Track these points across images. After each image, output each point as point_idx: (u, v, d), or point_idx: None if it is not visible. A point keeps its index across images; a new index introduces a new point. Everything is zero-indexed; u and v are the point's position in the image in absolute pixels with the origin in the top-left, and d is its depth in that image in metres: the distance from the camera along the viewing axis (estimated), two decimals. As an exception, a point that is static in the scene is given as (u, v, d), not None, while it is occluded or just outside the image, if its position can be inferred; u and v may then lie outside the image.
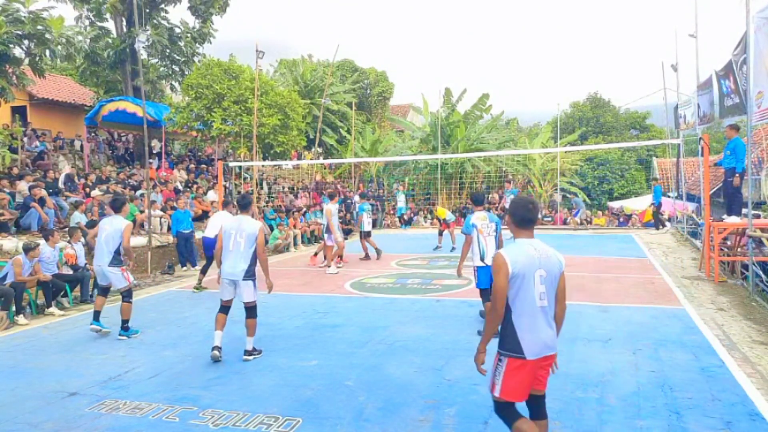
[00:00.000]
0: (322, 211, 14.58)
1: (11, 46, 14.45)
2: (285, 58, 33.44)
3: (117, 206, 7.46)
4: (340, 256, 13.06)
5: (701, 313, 7.56)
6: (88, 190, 14.95)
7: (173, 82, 22.59)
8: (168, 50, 21.26)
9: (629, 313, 7.71)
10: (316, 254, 13.47)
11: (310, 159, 27.54)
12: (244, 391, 5.14)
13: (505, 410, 3.33)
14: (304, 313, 8.26)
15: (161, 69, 22.22)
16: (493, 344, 3.44)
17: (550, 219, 24.73)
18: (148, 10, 20.34)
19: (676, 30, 57.72)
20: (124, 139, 23.20)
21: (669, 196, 24.26)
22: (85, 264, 10.27)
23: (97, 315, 7.44)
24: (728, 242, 11.44)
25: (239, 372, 5.69)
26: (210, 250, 10.36)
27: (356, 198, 21.86)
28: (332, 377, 5.45)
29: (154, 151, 21.63)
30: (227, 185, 18.88)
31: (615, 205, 30.55)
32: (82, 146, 19.78)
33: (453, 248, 14.61)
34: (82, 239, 10.87)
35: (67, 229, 11.43)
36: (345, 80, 32.33)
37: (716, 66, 12.70)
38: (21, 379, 5.64)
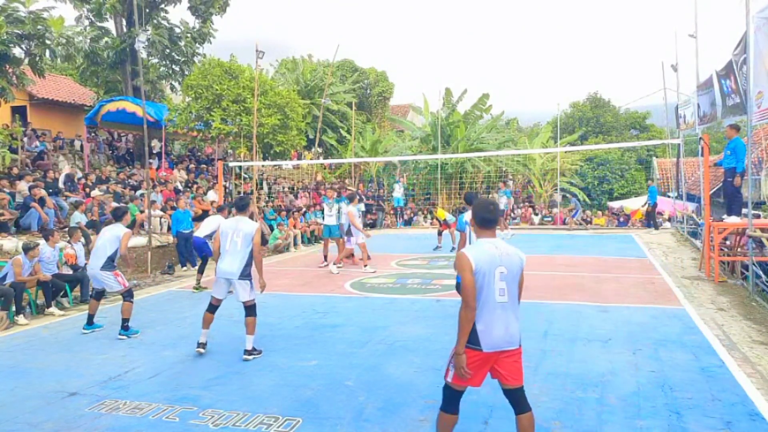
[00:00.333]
0: (322, 211, 14.57)
1: (11, 46, 14.45)
2: (285, 58, 33.46)
3: (118, 215, 7.64)
4: (351, 255, 13.02)
5: (701, 313, 7.56)
6: (88, 190, 14.95)
7: (173, 82, 22.59)
8: (168, 50, 21.25)
9: (629, 313, 7.71)
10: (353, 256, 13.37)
11: (310, 159, 27.55)
12: (244, 391, 5.14)
13: (449, 394, 3.56)
14: (304, 313, 8.26)
15: (161, 69, 22.22)
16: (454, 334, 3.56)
17: (550, 219, 24.73)
18: (148, 10, 20.33)
19: (676, 30, 57.80)
20: (124, 139, 23.20)
21: (669, 196, 24.28)
22: (85, 264, 10.26)
23: (90, 319, 7.47)
24: (728, 242, 11.44)
25: (239, 372, 5.69)
26: (200, 251, 10.47)
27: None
28: (332, 377, 5.45)
29: (154, 151, 21.64)
30: (227, 185, 18.89)
31: (615, 205, 30.56)
32: (82, 146, 19.79)
33: (453, 248, 14.60)
34: (82, 239, 10.88)
35: (66, 229, 11.43)
36: (345, 80, 32.33)
37: (716, 66, 12.71)
38: (21, 379, 5.64)
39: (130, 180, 17.33)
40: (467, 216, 7.21)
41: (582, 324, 7.16)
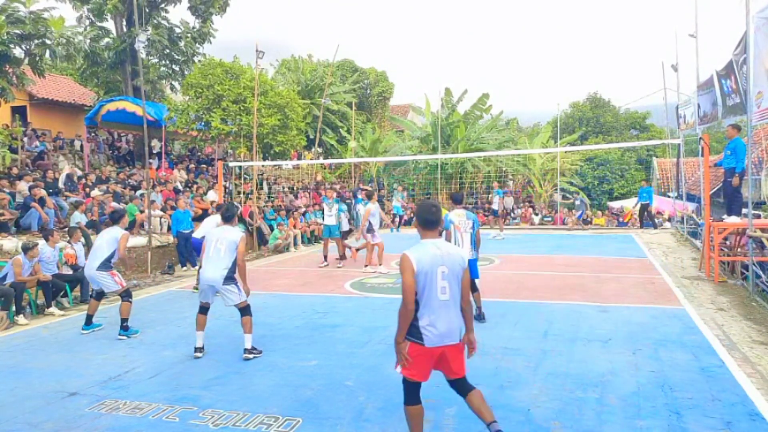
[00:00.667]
0: (322, 211, 14.55)
1: (11, 46, 14.45)
2: (285, 58, 33.45)
3: (116, 218, 7.75)
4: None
5: (701, 313, 7.56)
6: (88, 190, 14.95)
7: (173, 82, 22.60)
8: (168, 50, 21.26)
9: (629, 313, 7.71)
10: (358, 249, 13.34)
11: (310, 159, 27.55)
12: (244, 391, 5.14)
13: (406, 387, 3.74)
14: (304, 313, 8.26)
15: (161, 69, 22.22)
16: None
17: (549, 219, 24.73)
18: (148, 10, 20.34)
19: (676, 30, 57.77)
20: (124, 139, 23.20)
21: (669, 196, 24.28)
22: (85, 264, 10.27)
23: (89, 319, 7.48)
24: (728, 242, 11.43)
25: (239, 372, 5.69)
26: (199, 251, 10.45)
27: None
28: (332, 377, 5.45)
29: (154, 151, 21.64)
30: (227, 185, 18.89)
31: (615, 205, 30.57)
32: (82, 146, 19.78)
33: None
34: (82, 239, 10.88)
35: (66, 229, 11.43)
36: (345, 80, 32.32)
37: (716, 66, 12.70)
38: (21, 379, 5.64)
39: (129, 180, 17.33)
40: (452, 215, 7.41)
41: (582, 324, 7.16)
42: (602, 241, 16.67)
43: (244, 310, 6.20)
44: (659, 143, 27.67)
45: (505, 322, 7.40)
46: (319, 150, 28.12)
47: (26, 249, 8.51)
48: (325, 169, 28.17)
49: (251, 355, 6.08)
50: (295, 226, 17.06)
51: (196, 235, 10.46)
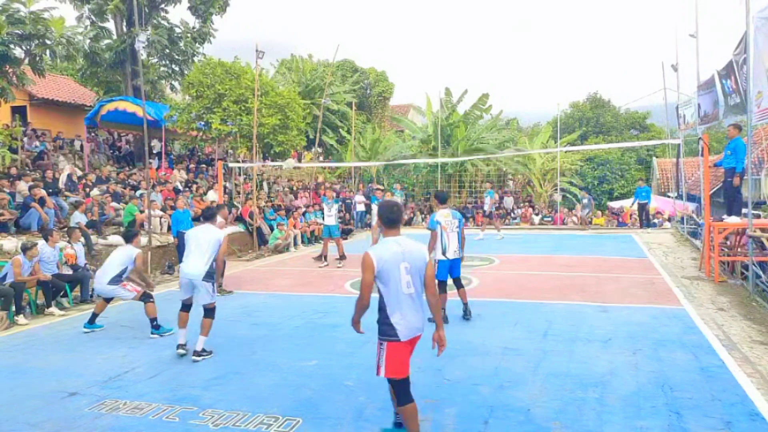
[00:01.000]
0: (322, 211, 14.55)
1: (11, 46, 14.44)
2: (286, 59, 33.45)
3: (129, 237, 7.86)
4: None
5: (701, 313, 7.56)
6: (88, 190, 14.95)
7: (173, 82, 22.59)
8: (168, 50, 21.25)
9: (629, 313, 7.71)
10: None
11: (310, 159, 27.55)
12: (244, 391, 5.14)
13: (398, 387, 3.81)
14: (304, 313, 8.26)
15: (161, 69, 22.22)
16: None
17: (549, 219, 24.71)
18: (147, 10, 20.33)
19: (676, 30, 57.81)
20: (124, 139, 23.20)
21: (669, 196, 24.28)
22: (85, 264, 10.27)
23: (93, 318, 7.49)
24: (728, 242, 11.43)
25: (239, 372, 5.69)
26: None
27: (356, 198, 21.86)
28: (332, 377, 5.45)
29: (154, 151, 21.64)
30: (227, 185, 18.89)
31: (615, 205, 30.55)
32: (82, 146, 19.78)
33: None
34: (82, 239, 10.88)
35: (66, 229, 11.43)
36: (345, 81, 32.32)
37: (716, 66, 12.70)
38: (21, 379, 5.64)
39: (129, 180, 17.33)
40: (438, 215, 7.46)
41: (582, 324, 7.16)
42: (602, 241, 16.67)
43: (210, 311, 6.24)
44: (659, 143, 27.68)
45: (505, 322, 7.40)
46: (319, 150, 28.12)
47: (25, 249, 8.51)
48: (325, 169, 28.19)
49: (200, 358, 6.08)
50: (295, 226, 17.07)
51: None
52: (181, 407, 4.79)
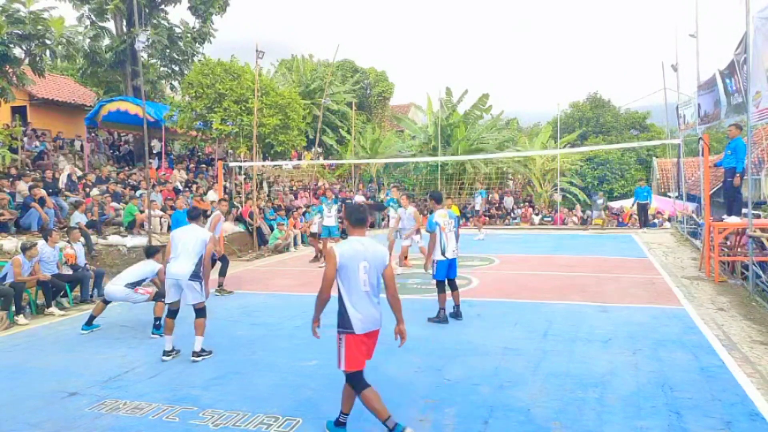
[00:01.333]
0: (320, 211, 14.52)
1: (11, 46, 14.44)
2: (286, 59, 33.45)
3: (150, 253, 7.97)
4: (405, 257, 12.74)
5: (701, 313, 7.55)
6: (88, 190, 14.95)
7: (173, 82, 22.59)
8: (168, 50, 21.25)
9: (629, 313, 7.71)
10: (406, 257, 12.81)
11: (310, 159, 27.55)
12: (244, 391, 5.14)
13: (354, 379, 4.05)
14: (304, 313, 8.25)
15: (161, 69, 22.22)
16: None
17: (549, 219, 24.71)
18: (147, 10, 20.33)
19: (676, 30, 57.79)
20: (124, 139, 23.21)
21: (669, 196, 24.27)
22: (85, 264, 10.26)
23: (91, 319, 7.48)
24: (728, 242, 11.43)
25: (239, 372, 5.69)
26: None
27: (356, 198, 21.87)
28: (332, 377, 5.44)
29: (154, 151, 21.64)
30: (227, 185, 18.89)
31: (615, 205, 30.55)
32: (82, 146, 19.78)
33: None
34: (82, 239, 10.88)
35: (66, 229, 11.43)
36: (345, 81, 32.32)
37: (717, 65, 12.70)
38: (21, 379, 5.64)
39: (129, 180, 17.33)
40: (436, 216, 7.48)
41: (582, 324, 7.15)
42: (602, 241, 16.67)
43: (201, 311, 6.21)
44: (659, 143, 27.65)
45: (505, 322, 7.40)
46: (319, 150, 28.13)
47: (25, 249, 8.51)
48: (324, 169, 28.19)
49: (200, 358, 6.06)
50: (295, 226, 17.07)
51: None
52: (181, 407, 4.79)
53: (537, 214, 25.10)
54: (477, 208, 19.87)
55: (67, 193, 14.21)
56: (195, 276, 6.19)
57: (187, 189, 17.89)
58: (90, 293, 9.58)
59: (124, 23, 20.37)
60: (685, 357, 5.77)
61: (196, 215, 6.77)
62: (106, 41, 20.55)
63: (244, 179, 19.80)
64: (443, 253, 7.36)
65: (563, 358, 5.86)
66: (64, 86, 24.28)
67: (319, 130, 24.70)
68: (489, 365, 5.67)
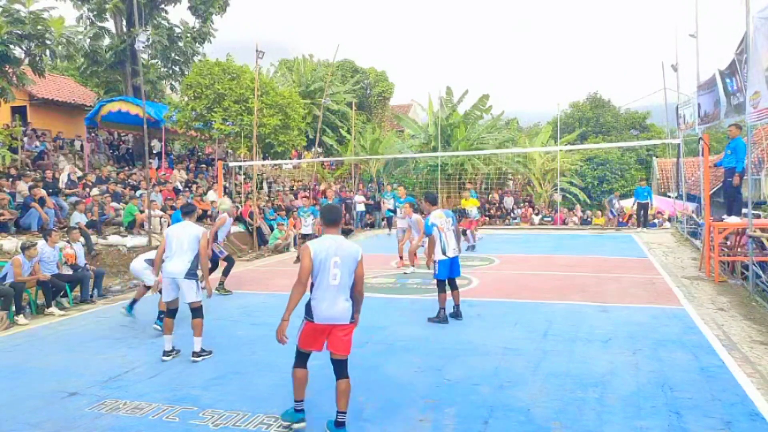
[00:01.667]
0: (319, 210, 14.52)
1: (11, 46, 14.44)
2: (286, 59, 33.46)
3: (187, 212, 8.06)
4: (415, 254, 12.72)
5: (701, 313, 7.55)
6: (88, 190, 14.96)
7: (173, 82, 22.60)
8: (168, 50, 21.25)
9: (629, 313, 7.71)
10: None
11: (310, 158, 27.55)
12: (244, 391, 5.14)
13: (298, 355, 4.45)
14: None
15: (161, 69, 22.22)
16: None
17: (549, 219, 24.70)
18: (147, 10, 20.33)
19: (676, 30, 57.75)
20: (124, 139, 23.21)
21: (669, 196, 24.27)
22: (85, 264, 10.27)
23: (133, 303, 7.85)
24: (728, 242, 11.43)
25: (239, 372, 5.69)
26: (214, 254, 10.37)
27: (356, 198, 21.86)
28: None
29: (154, 151, 21.64)
30: (227, 185, 18.89)
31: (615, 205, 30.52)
32: (82, 146, 19.79)
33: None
34: (82, 239, 10.88)
35: (66, 229, 11.43)
36: (345, 81, 32.32)
37: (717, 65, 12.65)
38: (21, 379, 5.64)
39: (129, 180, 17.33)
40: (433, 218, 7.47)
41: (582, 324, 7.15)
42: (602, 241, 16.66)
43: (197, 311, 6.18)
44: (659, 143, 27.67)
45: (505, 322, 7.40)
46: (319, 150, 28.13)
47: (25, 248, 8.52)
48: (324, 169, 28.19)
49: (199, 358, 6.05)
50: (295, 226, 17.05)
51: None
52: (181, 407, 4.79)
53: (537, 214, 25.09)
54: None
55: (67, 191, 14.20)
56: (191, 274, 6.17)
57: (187, 189, 17.90)
58: (90, 293, 9.59)
59: (124, 23, 20.38)
60: (685, 357, 5.77)
61: (190, 211, 6.79)
62: (106, 41, 20.55)
63: (244, 179, 19.80)
64: (444, 253, 7.36)
65: (563, 358, 5.85)
66: (64, 86, 24.28)
67: (319, 130, 24.69)
68: (489, 365, 5.67)
